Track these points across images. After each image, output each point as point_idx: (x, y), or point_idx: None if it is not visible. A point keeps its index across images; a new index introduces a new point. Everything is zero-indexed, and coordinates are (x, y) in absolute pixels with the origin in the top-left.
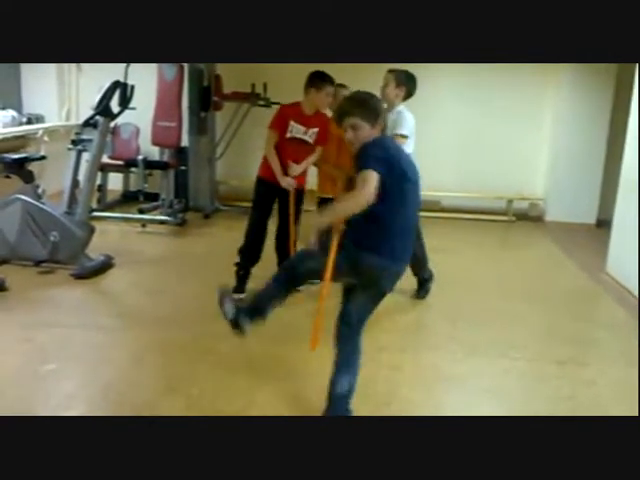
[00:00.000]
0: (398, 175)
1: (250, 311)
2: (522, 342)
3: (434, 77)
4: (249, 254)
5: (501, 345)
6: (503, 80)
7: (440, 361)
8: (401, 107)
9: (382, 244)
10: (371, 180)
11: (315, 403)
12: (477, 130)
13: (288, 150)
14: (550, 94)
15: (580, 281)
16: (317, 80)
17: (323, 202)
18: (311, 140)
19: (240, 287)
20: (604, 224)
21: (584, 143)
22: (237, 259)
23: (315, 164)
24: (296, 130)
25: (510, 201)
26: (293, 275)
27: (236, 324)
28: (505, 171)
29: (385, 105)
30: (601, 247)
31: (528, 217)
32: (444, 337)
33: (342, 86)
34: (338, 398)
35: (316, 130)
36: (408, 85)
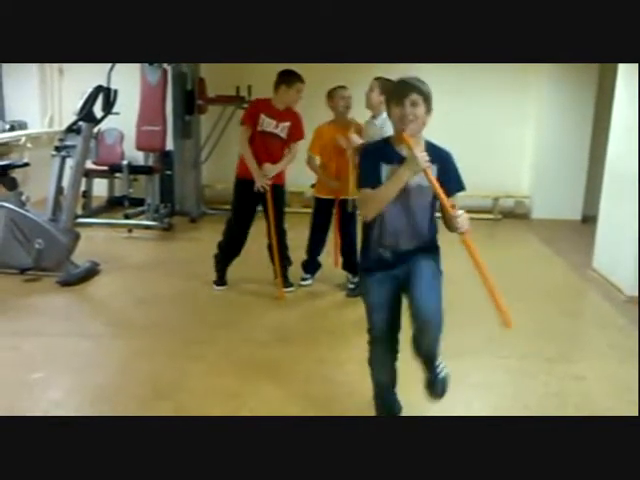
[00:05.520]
0: None
1: None
2: (511, 340)
3: (421, 77)
4: (227, 253)
5: (490, 343)
6: (487, 79)
7: None
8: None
9: None
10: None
11: (305, 406)
12: (463, 129)
13: (260, 144)
14: (533, 92)
15: (567, 277)
16: (287, 77)
17: (320, 203)
18: (283, 135)
19: (220, 280)
20: (590, 220)
21: (568, 139)
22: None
23: (314, 170)
24: (267, 124)
25: (496, 199)
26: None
27: None
28: (491, 169)
29: (370, 111)
30: (587, 243)
31: (514, 215)
32: None
33: (342, 87)
34: None
35: (287, 124)
36: None
